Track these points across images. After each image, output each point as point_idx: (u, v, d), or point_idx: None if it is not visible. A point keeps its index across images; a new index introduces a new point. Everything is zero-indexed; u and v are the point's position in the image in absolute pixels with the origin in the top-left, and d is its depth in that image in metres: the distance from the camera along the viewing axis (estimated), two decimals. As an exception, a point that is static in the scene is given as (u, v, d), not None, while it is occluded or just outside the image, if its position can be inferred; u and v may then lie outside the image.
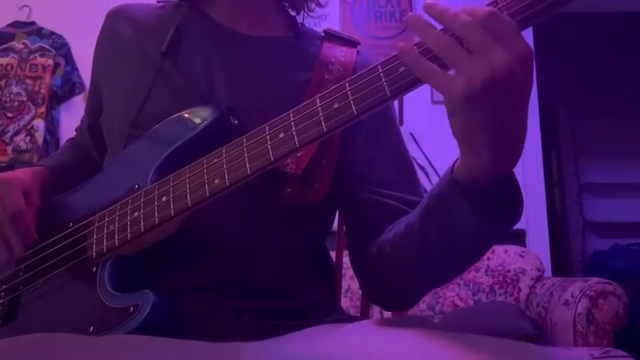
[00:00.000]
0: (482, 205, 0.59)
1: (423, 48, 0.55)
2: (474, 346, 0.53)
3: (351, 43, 0.89)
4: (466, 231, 0.61)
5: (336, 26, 3.12)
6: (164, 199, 0.68)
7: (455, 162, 0.61)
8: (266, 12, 0.88)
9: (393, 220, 0.75)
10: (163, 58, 0.82)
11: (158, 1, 0.95)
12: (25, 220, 0.78)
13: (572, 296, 2.18)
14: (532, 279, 2.59)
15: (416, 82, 0.56)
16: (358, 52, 0.87)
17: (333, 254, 0.95)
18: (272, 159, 0.63)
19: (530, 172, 2.95)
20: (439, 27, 0.55)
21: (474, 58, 0.51)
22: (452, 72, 0.53)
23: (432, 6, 0.53)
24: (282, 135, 0.62)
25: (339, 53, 0.85)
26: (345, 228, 0.86)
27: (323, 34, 0.90)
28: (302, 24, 0.91)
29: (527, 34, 3.11)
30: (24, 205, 0.78)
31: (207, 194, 0.65)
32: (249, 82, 0.81)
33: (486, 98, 0.51)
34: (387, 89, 0.57)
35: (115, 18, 0.90)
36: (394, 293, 0.78)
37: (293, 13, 0.93)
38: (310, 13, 0.92)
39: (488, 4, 0.54)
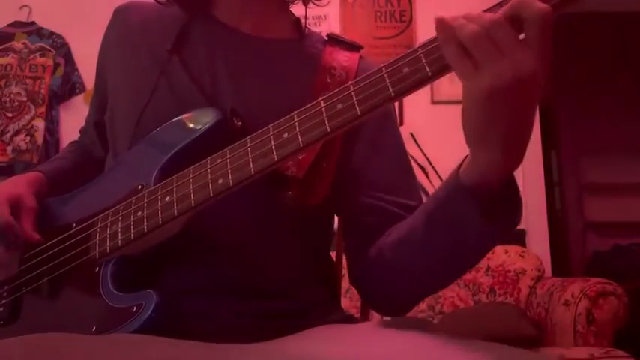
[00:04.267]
0: (487, 208, 0.60)
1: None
2: (473, 351, 0.53)
3: (354, 47, 0.89)
4: (471, 233, 0.62)
5: (336, 26, 3.13)
6: (168, 199, 0.68)
7: (459, 165, 0.62)
8: (270, 13, 0.89)
9: (391, 225, 0.76)
10: (168, 57, 0.82)
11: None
12: (13, 230, 0.79)
13: (572, 296, 2.18)
14: (532, 279, 2.59)
15: (419, 83, 0.57)
16: (361, 57, 0.87)
17: (333, 254, 0.95)
18: (276, 159, 0.63)
19: (530, 172, 2.95)
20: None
21: (503, 57, 0.52)
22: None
23: (466, 15, 0.54)
24: (286, 135, 0.63)
25: (342, 58, 0.86)
26: (343, 233, 0.87)
27: (326, 38, 0.90)
28: (306, 27, 0.91)
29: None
30: (9, 216, 0.79)
31: (211, 194, 0.66)
32: (253, 83, 0.81)
33: (507, 96, 0.52)
34: (390, 89, 0.57)
35: (122, 15, 0.90)
36: (394, 297, 0.78)
37: (295, 13, 0.93)
38: (311, 6, 0.92)
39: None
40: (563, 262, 4.50)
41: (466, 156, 0.61)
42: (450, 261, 0.68)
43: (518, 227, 2.35)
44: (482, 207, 0.60)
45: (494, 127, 0.55)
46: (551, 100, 4.37)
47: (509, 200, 0.61)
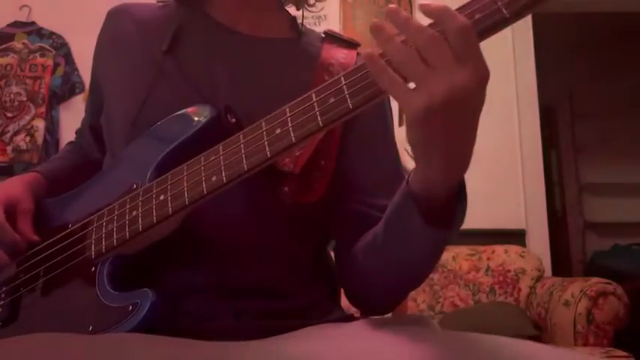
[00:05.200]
0: (434, 212, 0.61)
1: (387, 58, 0.55)
2: (469, 345, 0.53)
3: (352, 44, 0.89)
4: (417, 236, 0.64)
5: (335, 26, 3.12)
6: (162, 197, 0.68)
7: (410, 173, 0.63)
8: (267, 12, 0.88)
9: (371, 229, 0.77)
10: (164, 57, 0.82)
11: (158, 1, 0.95)
12: (8, 232, 0.79)
13: (572, 296, 2.18)
14: (532, 279, 2.59)
15: None
16: (358, 54, 0.87)
17: (332, 254, 0.95)
18: (269, 155, 0.62)
19: (530, 172, 2.94)
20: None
21: (435, 74, 0.52)
22: (411, 85, 0.54)
23: (396, 12, 0.54)
24: (278, 131, 0.62)
25: (339, 55, 0.85)
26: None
27: (323, 36, 0.90)
28: (302, 25, 0.91)
29: (527, 34, 3.11)
30: (2, 217, 0.79)
31: (205, 192, 0.65)
32: (250, 82, 0.81)
33: (444, 114, 0.52)
34: None
35: (116, 17, 0.90)
36: (369, 300, 0.80)
37: (293, 13, 0.93)
38: (310, 9, 0.92)
39: (460, 11, 0.54)
40: (563, 262, 4.50)
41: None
42: (406, 260, 0.70)
43: (518, 227, 2.35)
44: (425, 210, 0.62)
45: (434, 146, 0.56)
46: (551, 100, 4.37)
47: (453, 207, 0.62)
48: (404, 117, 0.56)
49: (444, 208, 0.62)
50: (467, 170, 0.60)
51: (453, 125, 0.54)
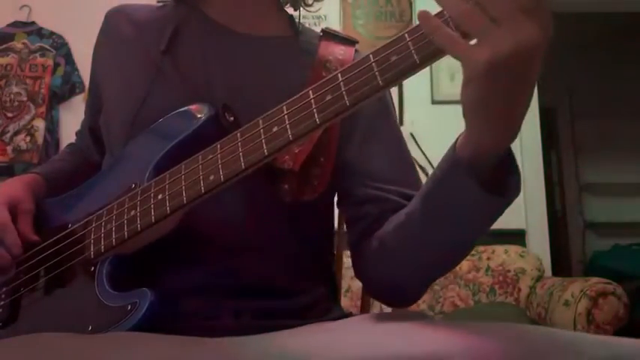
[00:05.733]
0: (485, 180, 0.59)
1: (444, 18, 0.53)
2: (468, 331, 0.52)
3: (349, 41, 0.88)
4: (469, 207, 0.61)
5: (336, 26, 3.12)
6: (160, 196, 0.68)
7: (455, 142, 0.61)
8: (264, 11, 0.88)
9: (392, 214, 0.75)
10: (162, 57, 0.82)
11: (158, 1, 0.95)
12: (10, 231, 0.79)
13: (572, 296, 2.18)
14: (532, 279, 2.59)
15: (407, 71, 0.56)
16: (356, 51, 0.87)
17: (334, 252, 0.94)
18: (266, 153, 0.62)
19: (530, 172, 2.94)
20: None
21: (500, 27, 0.50)
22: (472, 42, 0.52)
23: None
24: (275, 129, 0.62)
25: (337, 51, 0.85)
26: (345, 225, 0.86)
27: (321, 33, 0.90)
28: (300, 23, 0.91)
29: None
30: (7, 217, 0.79)
31: (203, 191, 0.65)
32: (248, 81, 0.81)
33: (509, 69, 0.50)
34: (379, 79, 0.56)
35: (114, 18, 0.90)
36: (398, 287, 0.77)
37: (291, 12, 0.93)
38: (308, 8, 0.92)
39: None
40: (563, 262, 4.50)
41: (461, 133, 0.60)
42: (450, 238, 0.67)
43: (518, 227, 2.34)
44: (478, 177, 0.58)
45: (492, 100, 0.53)
46: (551, 101, 4.37)
47: (507, 172, 0.60)
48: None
49: (496, 173, 0.59)
50: (516, 136, 0.57)
51: (514, 82, 0.52)
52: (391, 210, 0.76)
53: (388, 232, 0.73)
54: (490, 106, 0.54)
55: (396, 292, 0.78)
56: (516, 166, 0.60)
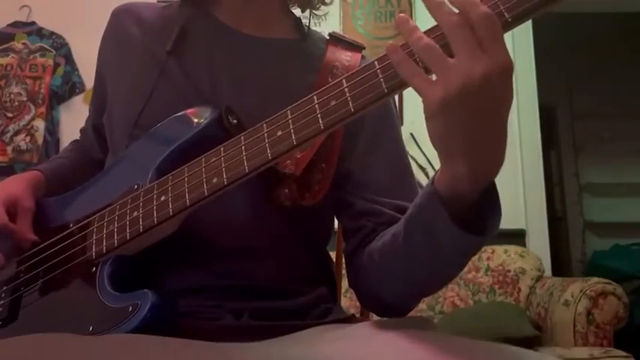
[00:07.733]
0: (461, 217, 0.59)
1: (409, 49, 0.55)
2: (469, 351, 0.53)
3: (356, 47, 0.88)
4: (446, 242, 0.61)
5: (336, 26, 3.12)
6: (163, 198, 0.68)
7: (436, 172, 0.61)
8: (271, 13, 0.88)
9: (386, 227, 0.75)
10: (167, 57, 0.82)
11: (162, 0, 0.95)
12: (9, 231, 0.79)
13: (572, 296, 2.18)
14: (532, 279, 2.59)
15: None
16: (363, 57, 0.87)
17: (333, 254, 0.94)
18: (270, 157, 0.62)
19: (530, 172, 2.94)
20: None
21: (454, 62, 0.51)
22: (434, 77, 0.53)
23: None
24: (279, 133, 0.62)
25: (343, 57, 0.85)
26: (343, 236, 0.86)
27: (328, 37, 0.89)
28: (307, 27, 0.91)
29: (527, 34, 3.11)
30: (4, 217, 0.79)
31: (206, 193, 0.65)
32: (253, 83, 0.81)
33: (461, 104, 0.51)
34: (384, 85, 0.57)
35: (121, 16, 0.90)
36: (385, 301, 0.77)
37: (298, 14, 0.92)
38: (315, 12, 0.92)
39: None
40: (563, 262, 4.50)
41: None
42: (429, 267, 0.67)
43: (518, 227, 2.34)
44: (452, 214, 0.58)
45: (454, 140, 0.54)
46: (551, 101, 4.37)
47: (487, 207, 0.60)
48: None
49: (472, 211, 0.59)
50: (498, 172, 0.56)
51: (472, 117, 0.52)
52: (385, 224, 0.76)
53: (377, 248, 0.74)
54: (451, 142, 0.54)
55: (384, 304, 0.79)
56: (498, 205, 0.60)
